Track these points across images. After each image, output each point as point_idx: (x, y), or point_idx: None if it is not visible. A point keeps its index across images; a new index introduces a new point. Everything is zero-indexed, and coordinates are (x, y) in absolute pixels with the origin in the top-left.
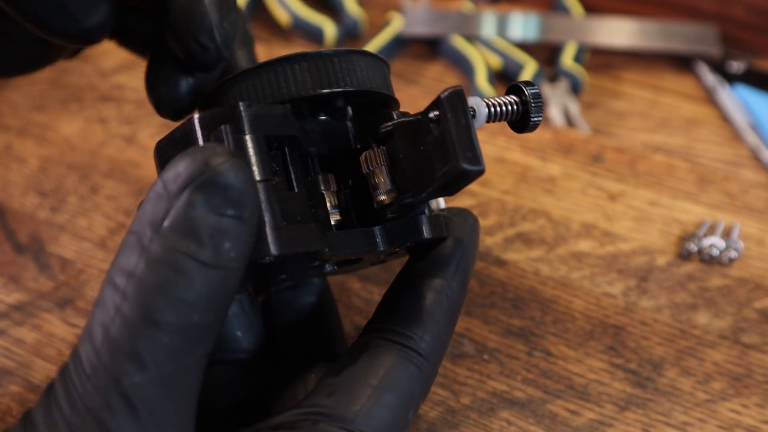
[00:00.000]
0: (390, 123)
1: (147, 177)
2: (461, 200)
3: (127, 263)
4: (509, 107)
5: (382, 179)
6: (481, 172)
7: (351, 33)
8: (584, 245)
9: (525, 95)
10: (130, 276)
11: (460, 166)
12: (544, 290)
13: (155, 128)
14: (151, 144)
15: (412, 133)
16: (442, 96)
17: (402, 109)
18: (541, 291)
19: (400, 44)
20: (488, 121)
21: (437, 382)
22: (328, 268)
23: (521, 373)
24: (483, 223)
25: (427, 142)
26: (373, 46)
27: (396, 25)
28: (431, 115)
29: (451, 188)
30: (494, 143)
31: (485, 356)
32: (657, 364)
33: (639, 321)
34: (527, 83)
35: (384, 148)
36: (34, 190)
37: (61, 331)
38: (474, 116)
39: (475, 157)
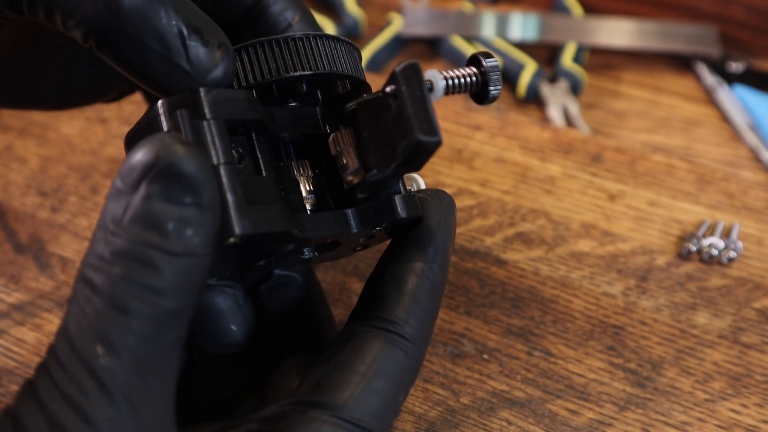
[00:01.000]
0: (353, 102)
1: None
2: (460, 199)
3: (94, 258)
4: (468, 79)
5: (350, 159)
6: (438, 143)
7: (351, 33)
8: (584, 245)
9: (483, 66)
10: (98, 269)
11: (417, 138)
12: (544, 290)
13: None
14: None
15: (374, 110)
16: (397, 69)
17: None
18: (540, 291)
19: (400, 44)
20: (446, 93)
21: (437, 381)
22: (307, 253)
23: (521, 372)
24: (483, 223)
25: (387, 118)
26: (373, 46)
27: (396, 25)
28: (388, 89)
29: (413, 162)
30: (494, 143)
31: (485, 356)
32: (656, 364)
33: (638, 321)
34: (486, 54)
35: (350, 128)
36: (35, 190)
37: None
38: (431, 89)
39: (431, 128)
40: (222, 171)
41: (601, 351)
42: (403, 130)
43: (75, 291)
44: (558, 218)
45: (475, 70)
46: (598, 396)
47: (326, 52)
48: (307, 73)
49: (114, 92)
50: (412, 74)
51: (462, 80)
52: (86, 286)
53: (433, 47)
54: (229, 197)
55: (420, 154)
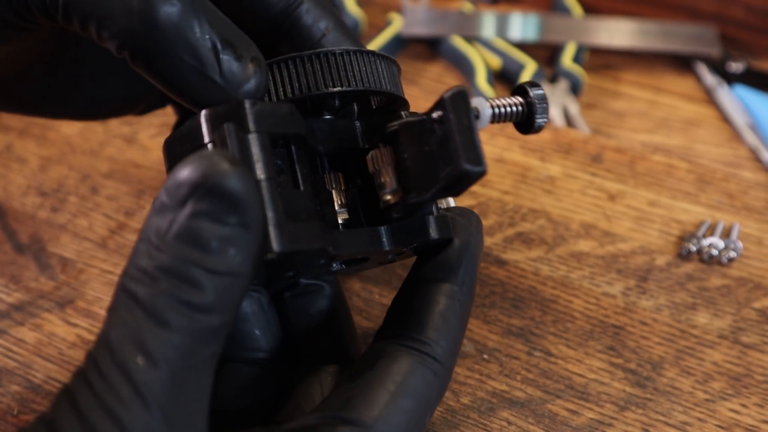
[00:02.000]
0: (395, 123)
1: (147, 177)
2: (461, 200)
3: (137, 271)
4: (514, 108)
5: (388, 179)
6: (482, 173)
7: None
8: (584, 245)
9: (530, 96)
10: (140, 282)
11: (462, 167)
12: (544, 290)
13: (156, 129)
14: (152, 144)
15: (417, 133)
16: (445, 96)
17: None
18: (540, 291)
19: (400, 44)
20: (492, 122)
21: None
22: (335, 266)
23: (521, 372)
24: (483, 223)
25: (431, 142)
26: (373, 46)
27: (396, 25)
28: (434, 115)
29: (455, 189)
30: (494, 143)
31: (485, 356)
32: (656, 364)
33: (638, 321)
34: (532, 84)
35: (390, 147)
36: (35, 190)
37: (62, 330)
38: (477, 117)
39: (477, 158)
40: (264, 186)
41: (601, 351)
42: (447, 157)
43: (116, 301)
44: (558, 218)
45: (521, 99)
46: (598, 396)
47: (363, 68)
48: (341, 89)
49: (144, 104)
50: (461, 101)
51: (508, 109)
52: (128, 297)
53: (433, 47)
54: (269, 214)
55: (463, 183)
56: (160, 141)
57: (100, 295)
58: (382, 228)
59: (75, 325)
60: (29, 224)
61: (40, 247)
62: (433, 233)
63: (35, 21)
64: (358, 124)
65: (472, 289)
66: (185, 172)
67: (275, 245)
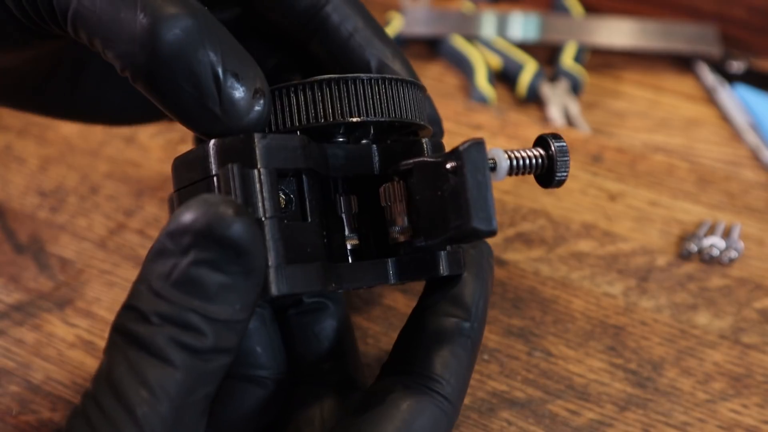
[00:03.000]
0: (410, 161)
1: (147, 177)
2: None
3: (136, 314)
4: (533, 161)
5: (399, 217)
6: (492, 233)
7: None
8: (584, 245)
9: (551, 149)
10: (140, 324)
11: (471, 226)
12: (544, 290)
13: (155, 129)
14: (151, 144)
15: (431, 176)
16: (461, 149)
17: None
18: (541, 291)
19: (400, 44)
20: (510, 174)
21: None
22: (340, 290)
23: (521, 373)
24: None
25: (444, 188)
26: None
27: (396, 25)
28: (449, 165)
29: (463, 241)
30: (495, 143)
31: (485, 356)
32: (657, 364)
33: (639, 321)
34: (555, 136)
35: (403, 183)
36: (34, 191)
37: (61, 331)
38: (494, 169)
39: (488, 218)
40: (267, 226)
41: (602, 351)
42: (458, 211)
43: (113, 341)
44: (558, 218)
45: (542, 152)
46: (598, 396)
47: (381, 96)
48: (357, 120)
49: None
50: (477, 156)
51: (527, 161)
52: (128, 336)
53: (433, 47)
54: (270, 255)
55: (472, 238)
56: (160, 141)
57: (99, 295)
58: (390, 261)
59: (74, 326)
60: (28, 224)
61: (40, 248)
62: (443, 270)
63: (51, 30)
64: (374, 148)
65: (482, 326)
66: (189, 217)
67: (273, 289)
